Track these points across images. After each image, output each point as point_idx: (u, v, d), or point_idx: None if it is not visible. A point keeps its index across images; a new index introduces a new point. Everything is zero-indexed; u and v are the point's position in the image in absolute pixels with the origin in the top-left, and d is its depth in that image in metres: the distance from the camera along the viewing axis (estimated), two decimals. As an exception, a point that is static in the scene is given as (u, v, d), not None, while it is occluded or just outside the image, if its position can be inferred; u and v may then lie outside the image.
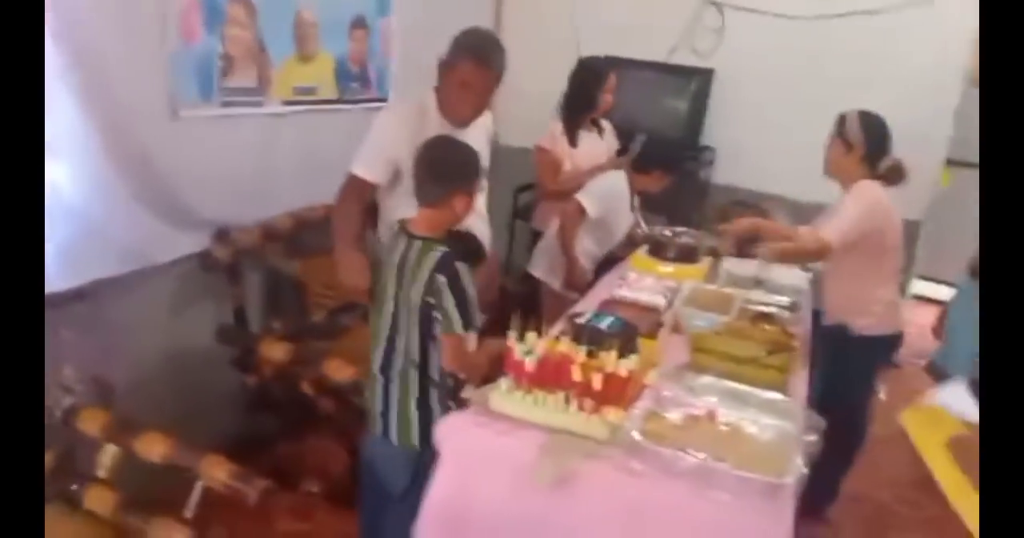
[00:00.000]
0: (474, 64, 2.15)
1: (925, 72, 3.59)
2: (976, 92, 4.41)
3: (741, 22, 3.87)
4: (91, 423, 1.81)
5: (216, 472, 1.70)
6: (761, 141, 3.92)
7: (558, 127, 3.22)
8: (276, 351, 2.29)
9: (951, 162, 4.74)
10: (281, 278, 2.59)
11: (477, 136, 2.31)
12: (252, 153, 2.60)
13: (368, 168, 2.17)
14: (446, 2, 3.51)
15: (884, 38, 3.60)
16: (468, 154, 1.88)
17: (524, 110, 3.80)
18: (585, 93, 3.17)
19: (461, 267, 1.80)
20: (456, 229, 1.97)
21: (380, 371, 1.92)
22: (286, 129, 2.70)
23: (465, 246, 2.07)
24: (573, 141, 3.21)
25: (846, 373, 2.57)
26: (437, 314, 1.79)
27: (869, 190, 2.47)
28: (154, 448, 1.74)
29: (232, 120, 2.47)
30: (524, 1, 4.23)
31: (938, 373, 3.44)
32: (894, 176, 2.51)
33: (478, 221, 2.45)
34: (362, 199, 2.20)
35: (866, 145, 2.49)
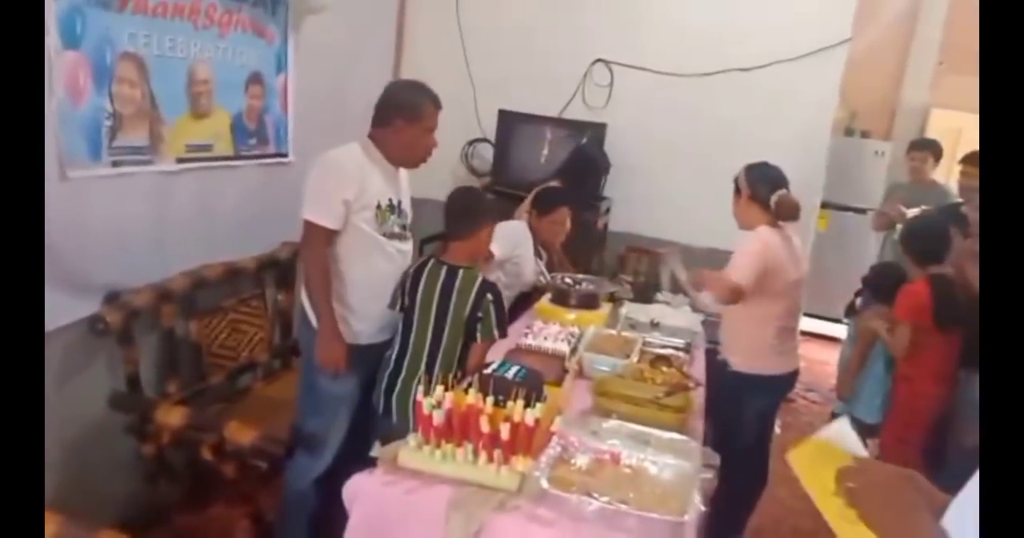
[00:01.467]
0: (435, 110, 2.38)
1: (797, 123, 3.88)
2: (846, 140, 4.81)
3: (628, 79, 4.09)
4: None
5: (111, 549, 1.61)
6: (653, 190, 4.12)
7: None
8: (173, 416, 2.21)
9: (825, 205, 5.11)
10: (176, 340, 2.51)
11: (404, 178, 2.50)
12: (145, 212, 2.53)
13: (327, 215, 2.24)
14: (342, 61, 3.56)
15: (757, 93, 3.87)
16: (487, 198, 2.69)
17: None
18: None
19: (497, 288, 2.35)
20: None
21: (427, 370, 2.25)
22: (180, 187, 2.65)
23: None
24: None
25: (739, 412, 2.67)
26: (479, 325, 2.28)
27: (763, 233, 2.60)
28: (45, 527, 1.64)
29: (123, 179, 2.40)
30: (421, 59, 4.31)
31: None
32: (786, 209, 2.62)
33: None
34: (325, 246, 2.28)
35: (750, 187, 2.65)
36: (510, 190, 3.96)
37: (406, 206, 2.47)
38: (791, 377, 2.81)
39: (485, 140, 4.33)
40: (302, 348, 2.46)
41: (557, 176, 3.64)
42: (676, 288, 3.80)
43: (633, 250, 4.05)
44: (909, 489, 0.99)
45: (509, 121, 4.06)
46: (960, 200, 3.83)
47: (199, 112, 2.71)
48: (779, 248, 2.60)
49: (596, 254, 4.06)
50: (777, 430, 3.53)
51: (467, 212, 2.38)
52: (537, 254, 3.30)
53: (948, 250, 2.98)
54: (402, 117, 2.31)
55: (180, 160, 2.65)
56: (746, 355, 2.68)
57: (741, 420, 2.68)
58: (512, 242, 3.07)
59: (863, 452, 1.15)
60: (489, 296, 2.28)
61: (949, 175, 4.99)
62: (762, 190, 2.63)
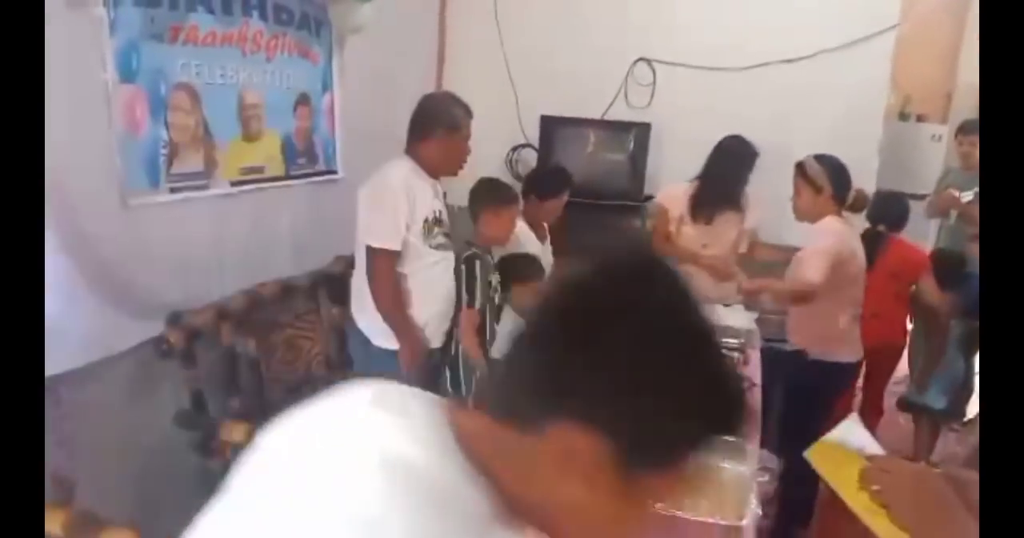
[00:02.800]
0: (469, 119, 2.47)
1: (847, 112, 3.80)
2: (900, 125, 4.70)
3: (672, 76, 4.06)
4: (52, 523, 1.78)
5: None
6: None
7: None
8: (236, 433, 2.28)
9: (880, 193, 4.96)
10: (236, 357, 2.59)
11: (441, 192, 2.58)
12: (202, 235, 2.62)
13: (392, 238, 2.35)
14: (385, 77, 3.62)
15: (804, 85, 3.80)
16: (482, 186, 2.79)
17: (468, 169, 3.89)
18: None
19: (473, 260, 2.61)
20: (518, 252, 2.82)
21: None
22: (235, 208, 2.74)
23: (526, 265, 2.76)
24: None
25: (819, 400, 2.66)
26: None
27: (834, 225, 2.67)
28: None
29: (181, 204, 2.49)
30: (462, 70, 4.36)
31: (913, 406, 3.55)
32: (860, 204, 2.81)
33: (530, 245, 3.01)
34: (394, 268, 2.38)
35: (832, 184, 2.67)
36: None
37: (445, 215, 2.54)
38: (860, 365, 2.90)
39: (529, 145, 4.35)
40: (354, 363, 2.56)
41: (701, 178, 3.38)
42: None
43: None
44: (937, 486, 0.98)
45: (551, 126, 4.08)
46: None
47: (251, 136, 2.80)
48: (849, 237, 2.70)
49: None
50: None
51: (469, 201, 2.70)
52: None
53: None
54: (443, 129, 2.38)
55: (235, 183, 2.74)
56: (824, 343, 2.71)
57: (821, 409, 2.67)
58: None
59: (876, 449, 1.15)
60: (462, 267, 2.56)
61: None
62: (845, 185, 2.69)
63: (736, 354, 2.59)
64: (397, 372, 2.40)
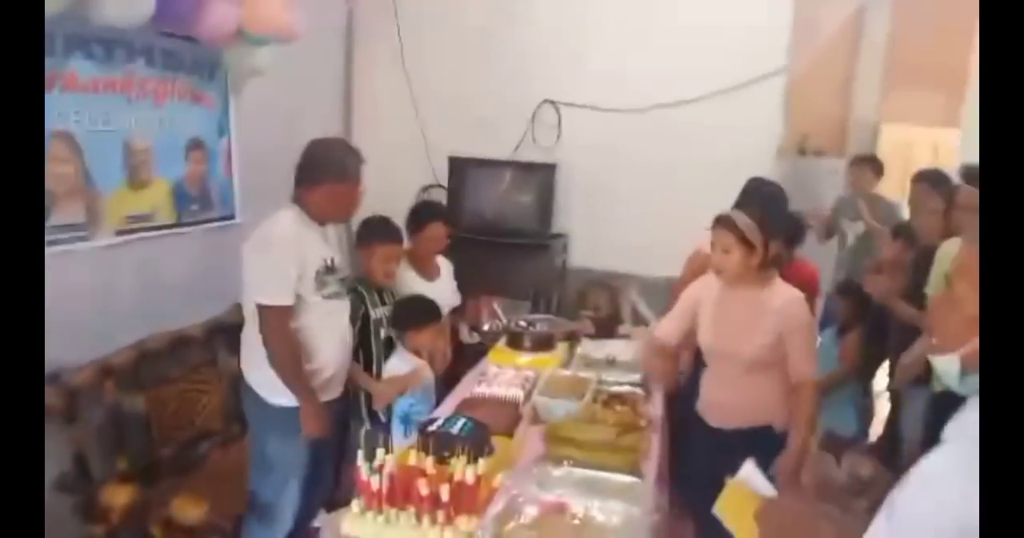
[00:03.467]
0: (359, 164, 2.37)
1: (742, 151, 3.93)
2: (800, 160, 4.89)
3: (576, 117, 4.14)
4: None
5: None
6: (608, 225, 4.15)
7: None
8: (119, 496, 2.16)
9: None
10: (123, 415, 2.46)
11: (331, 231, 2.49)
12: (86, 287, 2.51)
13: (283, 293, 2.22)
14: (289, 119, 3.58)
15: (701, 125, 3.93)
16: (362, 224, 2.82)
17: (381, 209, 3.86)
18: None
19: None
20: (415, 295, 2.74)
21: None
22: (122, 259, 2.64)
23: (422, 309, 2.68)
24: None
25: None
26: None
27: (795, 296, 2.30)
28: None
29: (60, 257, 2.38)
30: (370, 112, 4.36)
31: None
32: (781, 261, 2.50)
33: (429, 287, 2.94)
34: (289, 324, 2.25)
35: (764, 243, 2.24)
36: (466, 234, 3.97)
37: (339, 262, 2.44)
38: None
39: (439, 186, 4.35)
40: (249, 421, 2.41)
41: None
42: (637, 320, 3.82)
43: (592, 285, 4.06)
44: (820, 525, 1.00)
45: (460, 166, 4.10)
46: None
47: (137, 183, 2.71)
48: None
49: (556, 291, 4.07)
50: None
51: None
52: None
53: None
54: (331, 177, 2.29)
55: (120, 232, 2.64)
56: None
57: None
58: None
59: (769, 491, 1.17)
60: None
61: (902, 190, 5.07)
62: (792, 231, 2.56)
63: (639, 390, 2.61)
64: (291, 432, 2.28)
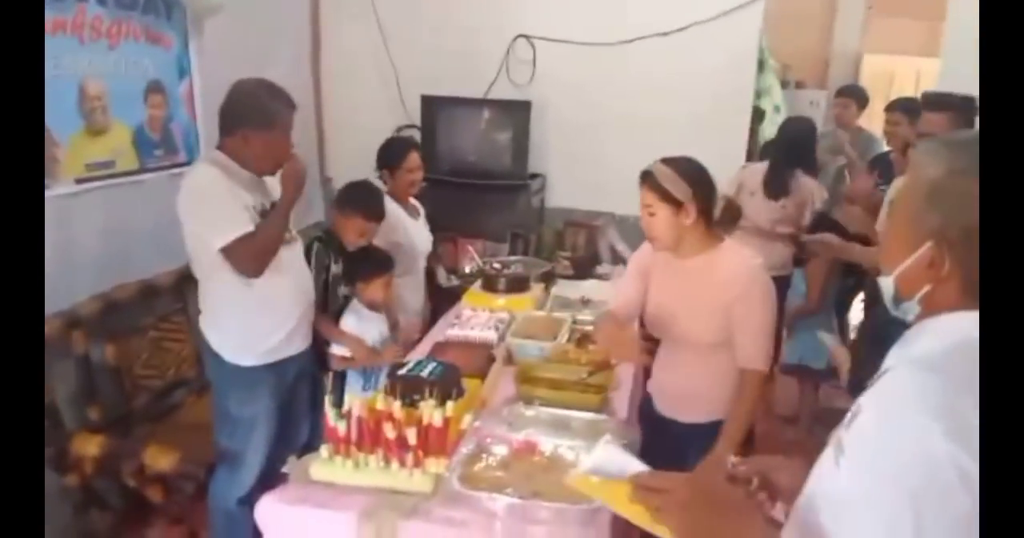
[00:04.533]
0: (289, 111, 2.19)
1: (721, 82, 3.86)
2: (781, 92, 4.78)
3: (551, 53, 4.03)
4: None
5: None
6: (585, 163, 4.10)
7: None
8: (90, 446, 2.16)
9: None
10: (93, 365, 2.44)
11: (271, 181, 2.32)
12: (47, 238, 2.45)
13: (238, 224, 2.08)
14: (254, 59, 3.45)
15: (679, 56, 3.84)
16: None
17: (355, 149, 3.77)
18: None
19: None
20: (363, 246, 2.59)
21: None
22: (83, 208, 2.57)
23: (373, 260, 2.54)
24: None
25: None
26: None
27: (745, 262, 1.95)
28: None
29: (17, 207, 2.32)
30: (339, 50, 4.24)
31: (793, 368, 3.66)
32: (732, 216, 2.10)
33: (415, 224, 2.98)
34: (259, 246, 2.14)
35: (696, 197, 1.88)
36: (441, 176, 3.91)
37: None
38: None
39: (413, 126, 4.26)
40: (211, 378, 2.35)
41: (772, 156, 3.58)
42: (616, 259, 3.81)
43: (570, 225, 4.03)
44: (708, 488, 0.98)
45: (433, 106, 4.00)
46: (887, 147, 3.86)
47: (95, 129, 2.62)
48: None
49: (534, 232, 4.04)
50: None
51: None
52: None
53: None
54: (249, 126, 2.12)
55: (80, 180, 2.57)
56: None
57: None
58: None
59: (638, 466, 1.10)
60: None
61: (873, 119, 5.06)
62: (709, 194, 1.94)
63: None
64: (254, 390, 2.24)
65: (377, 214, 2.63)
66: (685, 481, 0.99)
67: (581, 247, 3.89)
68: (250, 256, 2.12)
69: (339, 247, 2.60)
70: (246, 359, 2.22)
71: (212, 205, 2.10)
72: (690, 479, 1.02)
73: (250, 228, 2.10)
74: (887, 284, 0.92)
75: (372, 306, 2.51)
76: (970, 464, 0.72)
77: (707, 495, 0.95)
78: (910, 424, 0.76)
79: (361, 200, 2.63)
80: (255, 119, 2.12)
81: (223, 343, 2.23)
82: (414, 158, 2.97)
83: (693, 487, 0.97)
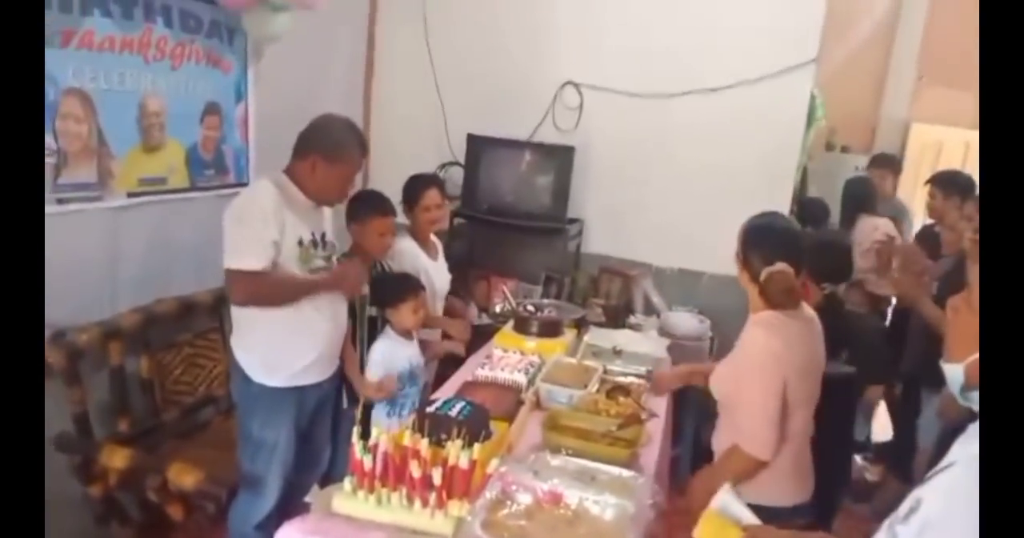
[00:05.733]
0: (359, 155, 2.29)
1: (767, 143, 3.85)
2: (827, 155, 4.92)
3: (598, 100, 4.07)
4: None
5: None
6: (625, 211, 4.09)
7: None
8: (117, 458, 2.17)
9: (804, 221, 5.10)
10: (127, 377, 2.46)
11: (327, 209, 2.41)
12: (95, 249, 2.50)
13: (255, 257, 2.13)
14: (307, 88, 3.55)
15: (725, 113, 3.85)
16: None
17: (398, 183, 3.81)
18: None
19: None
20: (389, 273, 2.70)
21: None
22: (133, 222, 2.62)
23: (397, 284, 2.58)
24: None
25: None
26: None
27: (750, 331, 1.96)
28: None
29: (70, 217, 2.37)
30: (391, 84, 4.33)
31: None
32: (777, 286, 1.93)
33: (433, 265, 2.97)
34: (256, 286, 2.18)
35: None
36: (480, 214, 3.94)
37: (331, 237, 2.37)
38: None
39: (457, 163, 4.31)
40: (236, 399, 2.37)
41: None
42: (649, 310, 3.78)
43: (606, 272, 4.02)
44: None
45: (478, 145, 4.04)
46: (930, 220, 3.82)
47: (151, 145, 2.69)
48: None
49: (569, 276, 4.03)
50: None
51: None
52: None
53: (850, 271, 2.79)
54: (319, 154, 2.20)
55: (132, 194, 2.63)
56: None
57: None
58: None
59: (751, 518, 1.15)
60: None
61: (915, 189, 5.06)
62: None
63: (644, 382, 2.58)
64: (278, 412, 2.25)
65: (391, 208, 2.70)
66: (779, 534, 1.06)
67: (615, 295, 3.86)
68: (244, 292, 2.17)
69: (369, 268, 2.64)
70: (272, 380, 2.24)
71: (245, 225, 2.15)
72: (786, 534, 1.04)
73: (263, 265, 2.13)
74: (955, 371, 0.89)
75: (404, 333, 2.51)
76: None
77: None
78: (961, 522, 0.74)
79: (370, 202, 2.69)
80: (328, 148, 2.21)
81: (251, 362, 2.25)
82: (432, 196, 2.99)
83: None
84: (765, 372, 1.85)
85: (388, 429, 1.82)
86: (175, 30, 2.71)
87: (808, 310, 2.01)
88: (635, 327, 3.37)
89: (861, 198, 4.22)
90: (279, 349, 2.25)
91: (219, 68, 2.99)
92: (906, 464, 3.34)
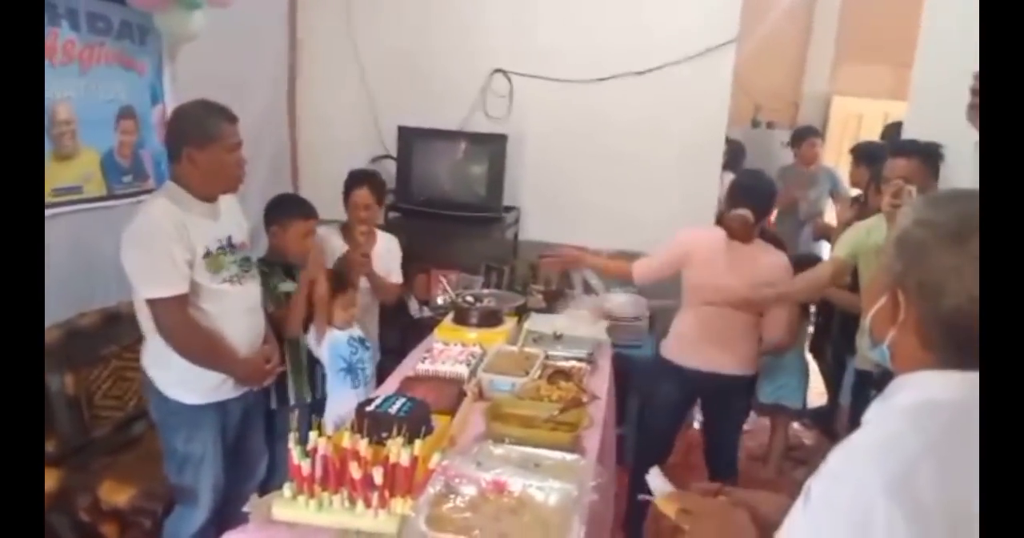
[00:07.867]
0: (229, 124, 2.14)
1: (694, 121, 3.91)
2: (753, 132, 5.08)
3: (528, 88, 4.07)
4: None
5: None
6: (560, 197, 4.12)
7: None
8: (47, 480, 2.09)
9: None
10: (51, 396, 2.37)
11: (227, 206, 2.30)
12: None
13: (174, 283, 2.05)
14: (228, 87, 3.42)
15: (654, 96, 3.90)
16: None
17: (329, 179, 3.74)
18: None
19: None
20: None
21: None
22: (49, 234, 2.49)
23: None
24: None
25: (652, 396, 2.96)
26: None
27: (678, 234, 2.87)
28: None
29: (-22, 232, 2.26)
30: (316, 80, 4.24)
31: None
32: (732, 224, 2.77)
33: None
34: (186, 312, 2.09)
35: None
36: (415, 207, 3.91)
37: (239, 238, 2.28)
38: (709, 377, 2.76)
39: (389, 157, 4.26)
40: (155, 418, 2.29)
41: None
42: (589, 292, 3.81)
43: (544, 257, 4.02)
44: (735, 518, 1.02)
45: (409, 137, 4.00)
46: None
47: (63, 154, 2.58)
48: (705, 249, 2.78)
49: (508, 265, 4.03)
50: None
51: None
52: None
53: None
54: (189, 146, 2.08)
55: (46, 206, 2.51)
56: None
57: (653, 404, 2.94)
58: None
59: (668, 488, 1.25)
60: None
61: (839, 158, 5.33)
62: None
63: (585, 365, 2.60)
64: (200, 428, 2.19)
65: (312, 211, 2.69)
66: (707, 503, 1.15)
67: (555, 281, 3.89)
68: (168, 324, 2.06)
69: (286, 269, 2.64)
70: (190, 397, 2.17)
71: (152, 251, 2.04)
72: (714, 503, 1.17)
73: (185, 288, 2.05)
74: (865, 325, 0.94)
75: (339, 324, 2.56)
76: (902, 523, 0.72)
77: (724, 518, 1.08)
78: (853, 474, 0.78)
79: (290, 205, 2.69)
80: (195, 136, 2.08)
81: (166, 380, 2.18)
82: (361, 195, 2.99)
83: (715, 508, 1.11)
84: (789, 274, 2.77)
85: (356, 400, 2.01)
86: (82, 33, 2.60)
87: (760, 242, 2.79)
88: (573, 312, 3.38)
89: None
90: (191, 366, 2.16)
91: (132, 70, 2.88)
92: (839, 428, 3.48)
